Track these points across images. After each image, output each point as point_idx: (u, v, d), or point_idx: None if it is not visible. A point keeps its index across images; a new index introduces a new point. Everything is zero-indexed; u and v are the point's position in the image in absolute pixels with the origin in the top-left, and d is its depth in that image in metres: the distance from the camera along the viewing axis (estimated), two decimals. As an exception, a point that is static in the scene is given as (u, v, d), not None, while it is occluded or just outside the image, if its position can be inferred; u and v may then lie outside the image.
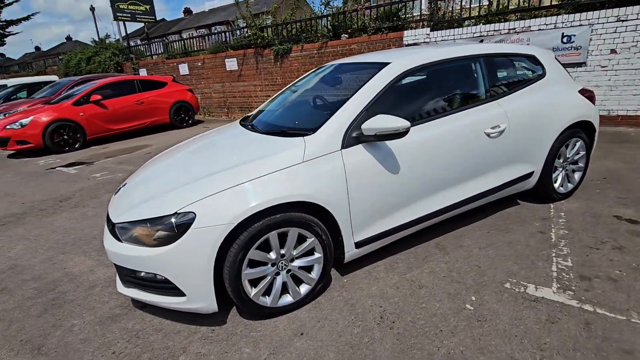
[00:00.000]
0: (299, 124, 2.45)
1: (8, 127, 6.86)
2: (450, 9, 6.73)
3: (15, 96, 10.59)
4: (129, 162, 5.88)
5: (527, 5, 5.91)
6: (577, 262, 2.24)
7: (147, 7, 12.96)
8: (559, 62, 3.07)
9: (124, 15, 12.43)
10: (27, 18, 25.61)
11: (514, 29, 5.78)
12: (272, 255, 1.89)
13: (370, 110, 2.08)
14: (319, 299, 2.11)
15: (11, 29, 25.61)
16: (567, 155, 2.96)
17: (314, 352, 1.73)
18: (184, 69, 10.96)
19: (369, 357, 1.68)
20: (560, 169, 2.99)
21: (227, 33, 10.59)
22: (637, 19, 4.99)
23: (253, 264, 1.85)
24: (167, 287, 1.80)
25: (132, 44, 14.18)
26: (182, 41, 11.61)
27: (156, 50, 12.45)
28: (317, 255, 2.01)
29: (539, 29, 5.59)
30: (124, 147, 7.15)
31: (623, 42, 5.15)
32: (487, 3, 6.23)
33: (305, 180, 1.87)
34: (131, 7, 12.49)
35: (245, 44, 9.41)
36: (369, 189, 2.06)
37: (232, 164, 1.96)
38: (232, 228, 1.70)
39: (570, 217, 2.80)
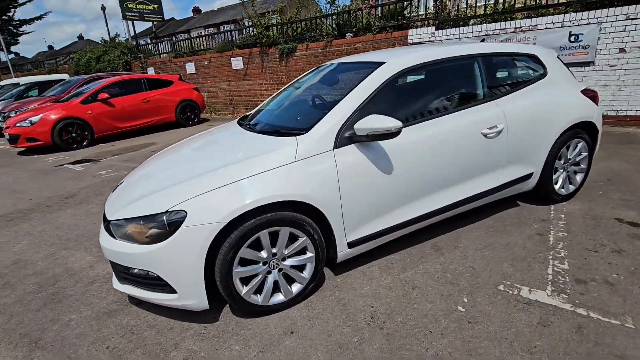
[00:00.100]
0: (293, 123, 2.46)
1: (18, 124, 7.02)
2: (456, 7, 6.66)
3: (26, 94, 10.81)
4: (134, 160, 5.96)
5: (534, 3, 5.82)
6: (574, 265, 2.21)
7: (155, 6, 13.10)
8: (562, 61, 3.01)
9: (133, 14, 12.59)
10: (39, 17, 26.15)
11: (520, 27, 5.69)
12: (264, 254, 1.90)
13: (364, 110, 2.08)
14: (311, 298, 2.12)
15: (24, 28, 26.19)
16: (569, 157, 2.91)
17: (303, 351, 1.74)
18: (190, 67, 11.06)
19: (358, 357, 1.68)
20: (561, 170, 2.94)
21: (234, 32, 10.65)
22: (647, 17, 4.88)
23: (244, 262, 1.87)
24: (159, 284, 1.83)
25: (142, 42, 14.35)
26: (189, 40, 11.71)
27: (164, 49, 12.58)
28: (309, 254, 2.02)
29: (546, 28, 5.50)
30: (130, 145, 7.25)
31: (633, 41, 5.04)
32: (494, 1, 6.15)
33: (296, 180, 1.88)
34: (140, 6, 12.63)
35: (251, 43, 9.45)
36: (362, 189, 2.05)
37: (225, 163, 1.97)
38: (222, 227, 1.72)
39: (570, 219, 2.75)
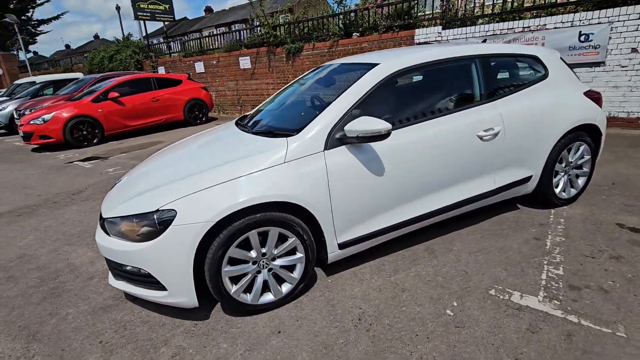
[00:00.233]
0: (286, 124, 2.48)
1: (32, 122, 7.22)
2: (464, 6, 6.57)
3: (42, 92, 11.11)
4: (141, 157, 6.07)
5: (544, 2, 5.70)
6: (569, 271, 2.17)
7: (167, 6, 13.30)
8: (565, 62, 2.95)
9: (144, 14, 12.80)
10: (56, 17, 26.82)
11: (529, 27, 5.59)
12: (253, 253, 1.92)
13: (356, 112, 2.08)
14: (301, 298, 2.14)
15: (42, 27, 26.87)
16: (570, 160, 2.86)
17: (288, 351, 1.75)
18: (199, 67, 11.19)
19: (342, 358, 1.69)
20: (562, 173, 2.89)
21: (242, 31, 10.73)
22: (661, 16, 4.73)
23: (233, 261, 1.89)
24: (150, 281, 1.87)
25: (154, 42, 14.57)
26: (199, 40, 11.85)
27: (174, 48, 12.76)
28: (299, 255, 2.03)
29: (555, 27, 5.38)
30: (139, 143, 7.39)
31: (645, 41, 4.90)
32: (502, 0, 6.05)
33: (285, 181, 1.90)
34: (151, 6, 12.84)
35: (258, 42, 9.51)
36: (352, 191, 2.06)
37: (217, 163, 2.00)
38: (210, 226, 1.75)
39: (569, 224, 2.70)
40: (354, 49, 7.69)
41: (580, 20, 5.20)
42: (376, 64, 2.25)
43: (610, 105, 5.28)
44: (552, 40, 5.36)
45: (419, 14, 7.13)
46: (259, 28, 9.55)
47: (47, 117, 7.17)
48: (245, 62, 9.92)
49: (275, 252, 1.98)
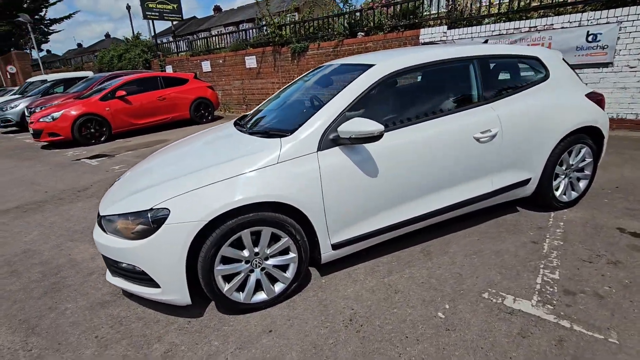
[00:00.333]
0: (281, 125, 2.49)
1: (41, 119, 7.37)
2: (469, 5, 6.50)
3: (52, 90, 11.32)
4: (146, 155, 6.14)
5: (551, 1, 5.61)
6: (564, 276, 2.15)
7: (175, 5, 13.43)
8: (567, 63, 2.91)
9: (153, 14, 12.94)
10: (68, 17, 27.26)
11: (535, 27, 5.51)
12: (246, 253, 1.94)
13: (351, 113, 2.08)
14: (294, 298, 2.15)
15: (54, 27, 27.35)
16: (571, 162, 2.82)
17: (278, 350, 1.77)
18: (206, 66, 11.28)
19: (330, 358, 1.70)
20: (563, 176, 2.85)
21: (248, 31, 10.78)
22: (672, 15, 4.63)
23: (226, 260, 1.92)
24: (144, 278, 1.90)
25: (163, 41, 14.73)
26: (206, 39, 11.94)
27: (182, 47, 12.88)
28: (291, 254, 2.05)
29: (562, 27, 5.30)
30: (145, 141, 7.49)
31: (655, 41, 4.79)
32: (508, 0, 5.97)
33: (278, 181, 1.91)
34: (160, 6, 12.98)
35: (264, 42, 9.56)
36: (346, 192, 2.06)
37: (211, 163, 2.03)
38: (203, 225, 1.77)
39: (568, 228, 2.67)
40: (358, 48, 7.68)
41: (588, 20, 5.11)
42: (372, 65, 2.25)
43: (618, 106, 5.18)
44: (559, 40, 5.27)
45: (425, 13, 7.08)
46: (265, 28, 9.59)
47: (56, 114, 7.31)
48: (251, 62, 9.97)
49: (268, 251, 2.00)
